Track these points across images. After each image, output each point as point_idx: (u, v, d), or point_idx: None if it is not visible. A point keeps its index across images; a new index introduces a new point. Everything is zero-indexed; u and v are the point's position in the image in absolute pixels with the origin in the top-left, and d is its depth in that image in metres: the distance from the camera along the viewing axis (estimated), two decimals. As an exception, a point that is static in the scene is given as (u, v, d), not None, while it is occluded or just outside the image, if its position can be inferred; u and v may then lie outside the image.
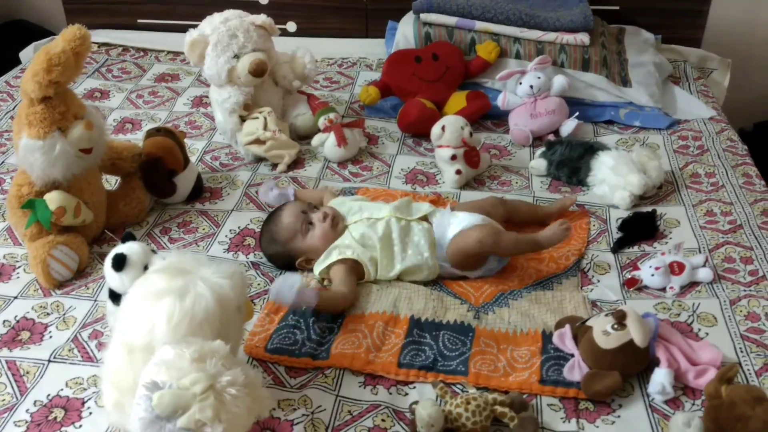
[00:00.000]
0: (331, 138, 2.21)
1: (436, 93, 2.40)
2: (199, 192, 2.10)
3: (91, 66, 2.89)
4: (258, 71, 2.19)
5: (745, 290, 1.68)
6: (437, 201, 2.03)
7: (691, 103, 2.56)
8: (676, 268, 1.71)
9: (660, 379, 1.42)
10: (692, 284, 1.72)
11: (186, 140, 2.35)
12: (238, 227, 1.95)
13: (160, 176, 1.99)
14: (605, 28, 2.74)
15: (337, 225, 1.76)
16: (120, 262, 1.50)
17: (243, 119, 2.25)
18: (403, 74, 2.42)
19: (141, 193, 1.99)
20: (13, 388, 1.49)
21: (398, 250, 1.73)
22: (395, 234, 1.74)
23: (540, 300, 1.70)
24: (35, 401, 1.45)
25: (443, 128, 2.11)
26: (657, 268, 1.71)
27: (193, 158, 2.28)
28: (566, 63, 2.50)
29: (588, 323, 1.51)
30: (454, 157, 2.09)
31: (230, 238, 1.91)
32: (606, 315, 1.49)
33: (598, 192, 2.07)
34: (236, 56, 2.19)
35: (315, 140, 2.26)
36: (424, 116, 2.29)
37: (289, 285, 1.53)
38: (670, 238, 1.89)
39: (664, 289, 1.71)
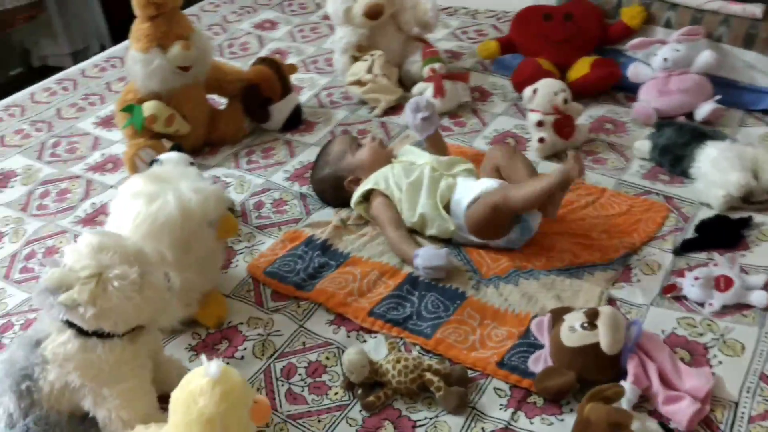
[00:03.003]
0: (430, 88, 2.19)
1: (560, 55, 2.23)
2: (295, 123, 2.22)
3: (276, -1, 3.15)
4: (372, 13, 2.23)
5: (803, 328, 1.39)
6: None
7: None
8: (721, 283, 1.46)
9: (620, 393, 1.25)
10: (739, 306, 1.45)
11: (311, 75, 2.49)
12: (308, 160, 2.04)
13: (255, 103, 2.15)
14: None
15: (384, 147, 1.85)
16: (155, 167, 1.69)
17: (357, 60, 2.31)
18: (528, 32, 2.28)
19: (240, 115, 2.17)
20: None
21: (422, 197, 1.69)
22: (425, 182, 1.70)
23: (554, 286, 1.56)
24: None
25: (535, 91, 1.98)
26: (697, 279, 1.47)
27: (310, 92, 2.41)
28: (725, 37, 2.15)
29: (565, 316, 1.37)
30: (540, 124, 1.96)
31: (296, 168, 2.01)
32: (584, 311, 1.34)
33: (698, 186, 1.80)
34: (356, -3, 2.25)
35: (415, 88, 2.25)
36: (536, 77, 2.15)
37: (436, 252, 1.59)
38: (752, 252, 1.60)
39: (703, 304, 1.47)
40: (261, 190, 1.92)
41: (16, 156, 2.21)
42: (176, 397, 1.05)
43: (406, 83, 2.33)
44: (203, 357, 1.06)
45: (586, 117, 2.15)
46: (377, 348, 1.44)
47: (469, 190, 1.65)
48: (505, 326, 1.48)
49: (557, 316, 1.40)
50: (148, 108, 1.98)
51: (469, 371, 1.38)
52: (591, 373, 1.30)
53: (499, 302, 1.53)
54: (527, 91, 1.99)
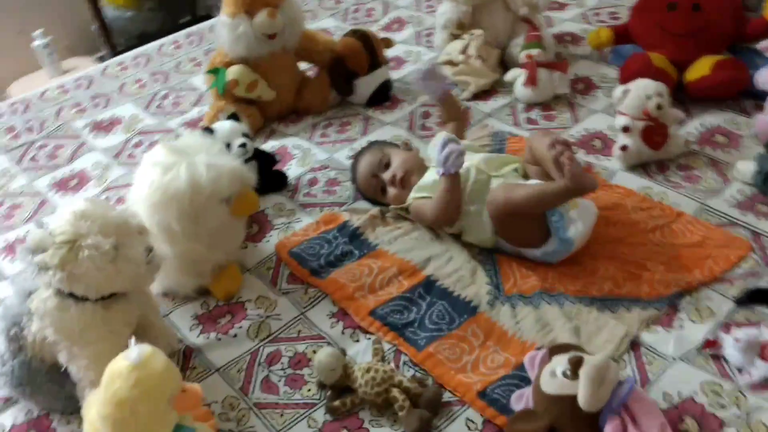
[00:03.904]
0: (523, 75, 2.03)
1: (681, 50, 1.95)
2: (382, 98, 2.16)
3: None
4: (473, -12, 2.09)
5: None
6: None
7: None
8: None
9: (590, 456, 1.11)
10: (785, 382, 1.22)
11: (419, 49, 2.41)
12: (373, 139, 1.98)
13: (340, 75, 2.12)
14: None
15: (407, 184, 1.66)
16: (206, 134, 1.73)
17: (456, 38, 2.19)
18: (647, 21, 2.01)
19: (326, 87, 2.16)
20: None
21: (465, 202, 1.58)
22: (469, 185, 1.59)
23: (578, 316, 1.40)
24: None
25: (626, 91, 1.76)
26: (738, 340, 1.25)
27: (412, 67, 2.33)
28: None
29: (554, 356, 1.22)
30: (626, 129, 1.74)
31: (354, 149, 1.95)
32: (569, 357, 1.19)
33: (801, 225, 1.52)
34: (460, -29, 2.12)
35: (509, 74, 2.09)
36: (644, 74, 1.90)
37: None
38: (836, 316, 1.32)
39: (741, 371, 1.25)
40: (320, 166, 1.91)
41: (128, 104, 2.37)
42: (105, 372, 1.08)
43: (509, 66, 2.18)
44: (132, 340, 1.08)
45: (697, 125, 1.88)
46: (366, 351, 1.39)
47: None
48: (507, 352, 1.36)
49: (555, 353, 1.26)
50: (232, 72, 2.03)
51: (449, 394, 1.29)
52: (565, 425, 1.15)
53: (509, 324, 1.41)
54: (618, 90, 1.77)
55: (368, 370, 1.28)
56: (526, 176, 1.62)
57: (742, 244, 1.52)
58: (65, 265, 1.18)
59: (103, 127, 2.24)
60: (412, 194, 1.64)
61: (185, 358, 1.43)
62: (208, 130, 1.73)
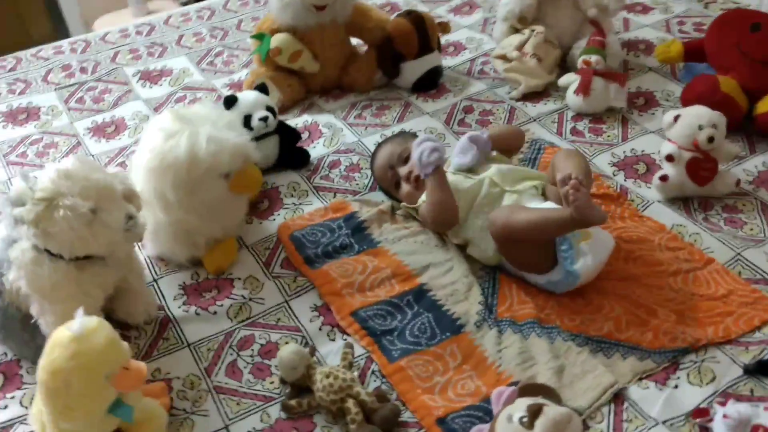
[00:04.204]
0: (577, 82, 1.89)
1: (756, 78, 1.77)
2: (429, 85, 2.07)
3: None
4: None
5: None
6: (609, 199, 1.63)
7: None
8: (758, 434, 1.10)
9: None
10: (773, 472, 1.09)
11: (481, 36, 2.31)
12: (412, 128, 1.90)
13: (386, 56, 2.04)
14: None
15: (422, 184, 1.55)
16: (229, 102, 1.70)
17: (517, 32, 2.07)
18: (724, 40, 1.83)
19: (372, 66, 2.09)
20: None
21: (473, 214, 1.50)
22: (479, 197, 1.50)
23: (566, 355, 1.31)
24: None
25: (677, 117, 1.61)
26: (725, 417, 1.12)
27: (469, 55, 2.23)
28: None
29: (518, 399, 1.14)
30: (670, 159, 1.60)
31: (384, 135, 1.87)
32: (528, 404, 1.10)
33: None
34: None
35: (563, 79, 1.95)
36: (708, 98, 1.74)
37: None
38: None
39: (726, 451, 1.13)
40: (345, 149, 1.85)
41: (181, 57, 2.37)
42: (50, 338, 1.08)
43: (570, 69, 2.04)
44: (79, 311, 1.07)
45: (758, 163, 1.71)
46: (338, 353, 1.34)
47: None
48: (481, 380, 1.28)
49: (523, 393, 1.17)
50: (276, 40, 1.98)
51: (409, 414, 1.23)
52: (511, 476, 1.08)
53: (491, 351, 1.33)
54: (669, 115, 1.63)
55: (328, 376, 1.23)
56: (545, 195, 1.51)
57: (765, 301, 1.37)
58: (39, 222, 1.18)
59: (152, 77, 2.25)
60: (424, 196, 1.56)
61: (161, 327, 1.42)
62: (232, 99, 1.70)
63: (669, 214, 1.59)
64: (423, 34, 2.04)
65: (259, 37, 2.03)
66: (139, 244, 1.53)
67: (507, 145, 1.63)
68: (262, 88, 1.75)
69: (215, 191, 1.44)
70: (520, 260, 1.42)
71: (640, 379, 1.26)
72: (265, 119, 1.70)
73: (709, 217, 1.58)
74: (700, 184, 1.60)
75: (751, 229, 1.54)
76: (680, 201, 1.63)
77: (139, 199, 1.35)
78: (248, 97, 1.71)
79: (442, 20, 2.18)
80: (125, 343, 1.12)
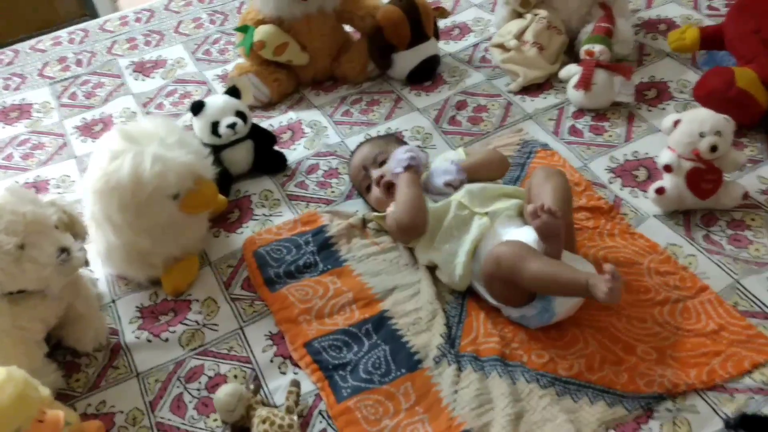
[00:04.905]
0: (578, 74, 1.72)
1: (778, 70, 1.57)
2: (424, 76, 1.94)
3: None
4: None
5: None
6: (599, 212, 1.48)
7: None
8: None
9: None
10: None
11: (490, 19, 2.15)
12: (398, 128, 1.79)
13: (376, 47, 1.91)
14: None
15: (393, 192, 1.45)
16: (196, 108, 1.61)
17: (519, 17, 1.90)
18: (743, 27, 1.62)
19: (364, 56, 1.96)
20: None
21: (440, 238, 1.39)
22: (448, 219, 1.38)
23: (528, 399, 1.20)
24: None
25: (676, 123, 1.44)
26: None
27: (474, 39, 2.08)
28: None
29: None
30: (668, 169, 1.44)
31: (378, 134, 1.77)
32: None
33: None
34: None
35: (564, 70, 1.79)
36: (721, 95, 1.56)
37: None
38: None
39: None
40: (326, 152, 1.75)
41: (178, 45, 2.29)
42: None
43: (579, 56, 1.86)
44: None
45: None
46: (285, 389, 1.27)
47: (500, 237, 1.31)
48: (432, 425, 1.19)
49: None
50: (259, 33, 1.88)
51: (350, 462, 1.16)
52: None
53: (447, 392, 1.23)
54: (668, 119, 1.46)
55: (264, 421, 1.17)
56: (521, 215, 1.38)
57: (766, 347, 1.22)
58: None
59: (145, 69, 2.19)
60: (392, 206, 1.45)
61: (112, 354, 1.38)
62: (199, 105, 1.62)
63: (664, 231, 1.44)
64: (416, 21, 1.89)
65: (243, 29, 1.93)
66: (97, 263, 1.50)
67: (485, 177, 1.47)
68: (233, 92, 1.66)
69: (165, 212, 1.37)
70: (500, 293, 1.30)
71: (606, 429, 1.15)
72: (233, 125, 1.61)
73: (711, 234, 1.42)
74: (701, 197, 1.43)
75: (757, 250, 1.38)
76: (680, 214, 1.47)
77: (82, 226, 1.29)
78: (216, 102, 1.63)
79: (440, 4, 2.02)
80: (45, 390, 1.08)
